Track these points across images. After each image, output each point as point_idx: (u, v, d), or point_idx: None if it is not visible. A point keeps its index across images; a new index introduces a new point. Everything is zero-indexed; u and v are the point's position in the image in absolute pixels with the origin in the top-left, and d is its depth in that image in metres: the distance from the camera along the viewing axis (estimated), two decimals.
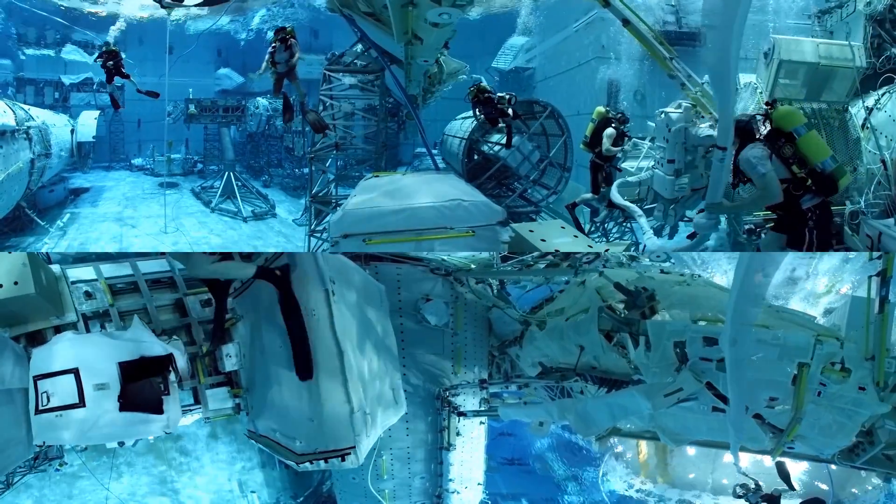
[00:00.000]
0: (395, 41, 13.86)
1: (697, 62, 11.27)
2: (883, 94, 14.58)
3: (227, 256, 8.24)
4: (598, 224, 17.53)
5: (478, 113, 16.64)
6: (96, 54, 18.99)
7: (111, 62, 18.13)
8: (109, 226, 26.25)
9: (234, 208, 29.61)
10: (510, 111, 16.34)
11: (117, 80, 19.10)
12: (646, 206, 14.65)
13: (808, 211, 8.76)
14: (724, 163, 8.89)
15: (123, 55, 18.61)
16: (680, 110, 12.32)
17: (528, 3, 34.59)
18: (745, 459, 14.06)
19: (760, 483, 13.59)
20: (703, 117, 12.16)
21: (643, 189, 14.92)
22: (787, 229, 9.15)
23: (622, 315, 9.36)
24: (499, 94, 16.25)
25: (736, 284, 6.84)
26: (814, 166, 8.58)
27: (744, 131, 8.97)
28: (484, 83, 16.78)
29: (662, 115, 12.48)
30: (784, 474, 12.95)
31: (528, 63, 37.50)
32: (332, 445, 7.61)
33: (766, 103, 9.38)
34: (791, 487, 13.04)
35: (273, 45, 16.53)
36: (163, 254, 9.89)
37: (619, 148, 14.69)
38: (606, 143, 14.46)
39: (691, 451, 19.99)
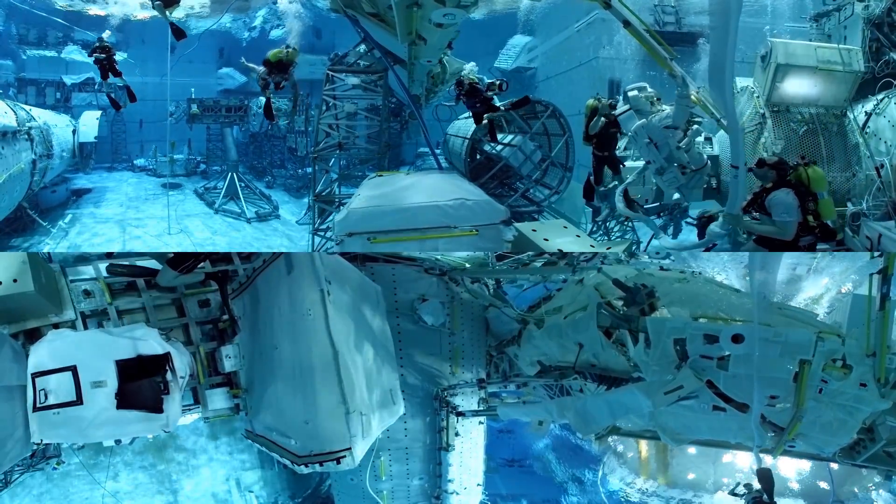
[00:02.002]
0: (399, 41, 13.84)
1: (696, 63, 11.24)
2: (882, 99, 14.47)
3: (173, 261, 8.83)
4: (599, 223, 17.49)
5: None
6: (90, 50, 18.92)
7: (103, 56, 18.04)
8: (112, 227, 26.22)
9: (237, 209, 29.58)
10: (500, 104, 16.16)
11: (119, 82, 19.06)
12: (648, 206, 14.57)
13: (802, 247, 9.65)
14: (739, 179, 9.53)
15: (125, 55, 18.57)
16: (626, 107, 12.07)
17: (531, 4, 34.57)
18: (746, 458, 14.05)
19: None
20: (659, 101, 11.90)
21: (646, 190, 14.80)
22: (770, 246, 9.74)
23: (621, 312, 9.33)
24: (488, 81, 15.88)
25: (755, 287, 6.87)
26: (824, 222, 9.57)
27: (781, 172, 9.62)
28: (472, 75, 16.59)
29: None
30: (766, 482, 12.96)
31: (530, 63, 37.47)
32: (328, 447, 7.59)
33: (801, 157, 10.41)
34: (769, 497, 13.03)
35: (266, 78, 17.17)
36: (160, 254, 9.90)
37: (600, 124, 13.65)
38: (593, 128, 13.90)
39: (692, 450, 19.95)
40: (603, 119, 13.43)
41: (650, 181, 14.11)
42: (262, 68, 17.56)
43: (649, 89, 12.23)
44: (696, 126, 12.06)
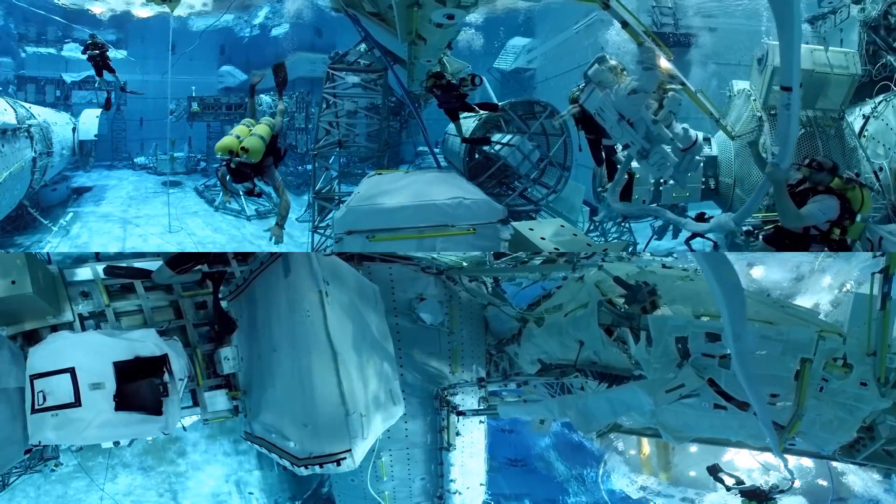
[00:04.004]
0: (399, 41, 13.82)
1: (693, 63, 11.04)
2: (880, 103, 14.37)
3: (172, 261, 8.80)
4: (597, 223, 17.47)
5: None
6: (83, 47, 18.84)
7: (97, 52, 17.94)
8: (112, 225, 26.25)
9: (237, 207, 29.61)
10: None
11: (113, 79, 19.02)
12: (647, 206, 14.52)
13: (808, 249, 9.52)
14: (792, 109, 7.35)
15: (124, 53, 18.48)
16: (584, 83, 10.26)
17: (531, 5, 34.64)
18: (745, 456, 14.08)
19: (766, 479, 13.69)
20: (624, 72, 10.05)
21: (643, 189, 14.74)
22: (779, 246, 9.57)
23: (622, 309, 9.29)
24: (460, 77, 15.22)
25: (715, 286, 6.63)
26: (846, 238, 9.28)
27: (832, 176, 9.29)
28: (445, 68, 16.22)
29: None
30: (715, 473, 13.36)
31: (529, 64, 37.58)
32: (328, 449, 7.56)
33: (856, 174, 9.98)
34: (718, 480, 13.47)
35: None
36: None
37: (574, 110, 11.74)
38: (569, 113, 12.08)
39: (693, 448, 19.94)
40: (577, 106, 11.51)
41: (647, 181, 13.88)
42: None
43: (611, 60, 10.15)
44: (672, 93, 9.93)
